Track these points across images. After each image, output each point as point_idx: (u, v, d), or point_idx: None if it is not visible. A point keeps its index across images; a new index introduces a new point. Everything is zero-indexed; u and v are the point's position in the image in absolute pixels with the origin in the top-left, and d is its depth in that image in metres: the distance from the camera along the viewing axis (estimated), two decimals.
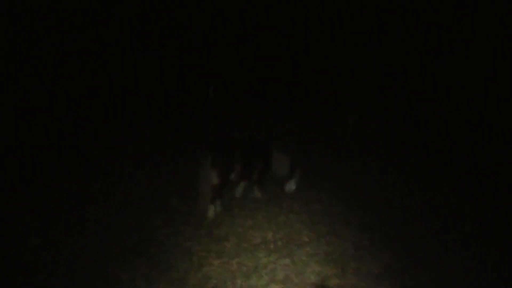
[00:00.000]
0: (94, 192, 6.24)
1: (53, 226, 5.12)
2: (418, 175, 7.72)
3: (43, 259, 4.41)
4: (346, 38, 9.54)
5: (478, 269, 4.78)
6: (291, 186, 6.72)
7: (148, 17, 10.58)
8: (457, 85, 8.71)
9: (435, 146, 8.64)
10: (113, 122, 9.27)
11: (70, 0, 10.50)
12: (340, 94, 9.34)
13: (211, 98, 7.83)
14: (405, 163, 8.19)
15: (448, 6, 8.88)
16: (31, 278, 4.07)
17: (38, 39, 10.23)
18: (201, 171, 5.49)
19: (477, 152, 8.11)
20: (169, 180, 6.86)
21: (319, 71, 10.20)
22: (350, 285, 4.29)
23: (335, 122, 9.47)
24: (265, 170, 6.35)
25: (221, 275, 4.32)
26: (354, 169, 8.00)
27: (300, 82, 10.83)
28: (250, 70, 11.58)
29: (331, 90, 9.75)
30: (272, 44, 11.71)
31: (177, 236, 5.11)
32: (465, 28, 8.75)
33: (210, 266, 4.48)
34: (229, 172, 5.67)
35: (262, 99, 10.88)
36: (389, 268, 4.67)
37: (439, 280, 4.50)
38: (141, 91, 9.05)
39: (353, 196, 6.67)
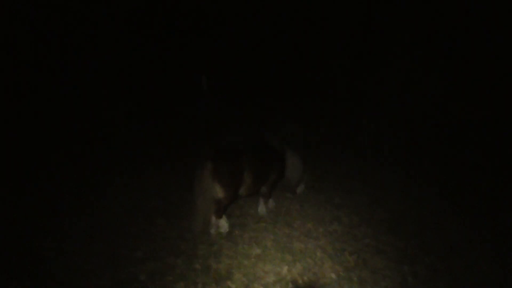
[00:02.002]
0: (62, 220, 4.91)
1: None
2: (448, 184, 6.67)
3: None
4: (363, 29, 8.37)
5: None
6: (301, 189, 5.81)
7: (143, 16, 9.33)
8: (493, 85, 7.66)
9: (467, 150, 7.61)
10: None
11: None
12: (355, 91, 8.16)
13: (204, 90, 6.50)
14: (432, 174, 7.12)
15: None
16: None
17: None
18: (199, 184, 4.26)
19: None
20: (154, 195, 5.57)
21: (332, 66, 9.02)
22: None
23: (349, 122, 8.33)
24: (278, 179, 5.17)
25: None
26: (374, 177, 6.88)
27: (310, 78, 9.65)
28: (253, 68, 10.34)
29: (346, 87, 8.58)
30: (278, 41, 10.52)
31: (164, 274, 3.84)
32: (502, 24, 7.70)
33: None
34: (237, 184, 4.45)
35: (267, 98, 9.67)
36: None
37: None
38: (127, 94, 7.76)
39: (377, 213, 5.53)
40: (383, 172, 7.13)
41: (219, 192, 4.30)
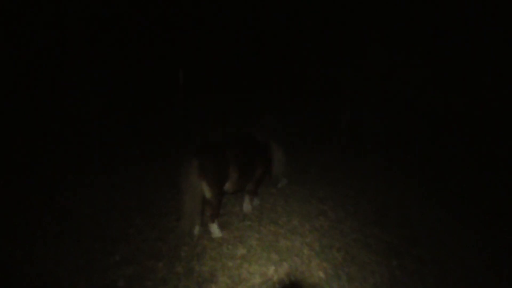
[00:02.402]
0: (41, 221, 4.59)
1: None
2: (430, 176, 6.66)
3: None
4: (342, 24, 8.18)
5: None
6: (283, 182, 5.76)
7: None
8: (476, 74, 7.62)
9: (447, 142, 7.63)
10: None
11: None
12: (334, 80, 8.00)
13: (181, 85, 6.21)
14: (414, 164, 7.10)
15: None
16: None
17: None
18: (185, 182, 4.03)
19: (495, 149, 7.17)
20: (131, 194, 5.30)
21: (309, 55, 8.82)
22: None
23: (328, 112, 8.20)
24: (264, 175, 5.01)
25: None
26: (356, 168, 6.81)
27: (286, 68, 9.44)
28: (228, 60, 10.03)
29: (323, 76, 8.42)
30: (252, 31, 10.24)
31: (143, 278, 3.63)
32: (484, 13, 7.65)
33: None
34: (223, 180, 4.26)
35: (243, 91, 9.42)
36: None
37: None
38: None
39: (361, 205, 5.46)
40: (365, 163, 7.08)
41: (206, 190, 4.10)
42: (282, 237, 4.50)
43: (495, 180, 6.56)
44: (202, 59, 9.42)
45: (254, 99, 9.13)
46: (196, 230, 4.39)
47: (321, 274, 3.87)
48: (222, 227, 4.61)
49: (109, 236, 4.24)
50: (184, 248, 4.19)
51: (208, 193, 4.13)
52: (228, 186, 4.42)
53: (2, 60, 7.83)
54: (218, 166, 4.14)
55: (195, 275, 3.73)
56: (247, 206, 5.09)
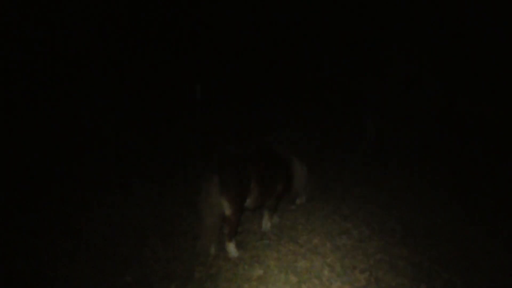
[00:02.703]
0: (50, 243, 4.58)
1: None
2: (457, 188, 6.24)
3: None
4: (367, 32, 7.95)
5: None
6: (302, 200, 5.47)
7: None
8: (502, 81, 7.19)
9: (479, 155, 7.18)
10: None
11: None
12: (354, 91, 7.73)
13: (198, 99, 6.14)
14: (444, 178, 6.69)
15: None
16: None
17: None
18: (206, 200, 3.89)
19: None
20: (147, 211, 5.21)
21: (328, 66, 8.61)
22: None
23: (350, 125, 7.92)
24: (286, 191, 4.81)
25: None
26: (381, 183, 6.47)
27: (307, 79, 9.26)
28: (248, 73, 9.97)
29: (344, 87, 8.17)
30: (271, 43, 10.18)
31: None
32: None
33: None
34: (244, 196, 4.08)
35: (263, 103, 9.28)
36: None
37: None
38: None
39: (388, 223, 5.13)
40: (391, 177, 6.73)
41: (226, 207, 3.93)
42: (302, 257, 4.26)
43: None
44: (222, 69, 9.39)
45: (275, 111, 8.98)
46: (212, 249, 4.23)
47: None
48: (238, 246, 4.42)
49: (122, 255, 4.14)
50: (198, 268, 4.03)
51: (228, 210, 3.96)
52: (249, 202, 4.24)
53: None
54: (240, 181, 3.96)
55: None
56: (266, 223, 4.88)
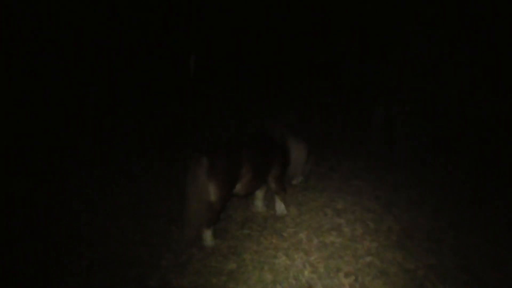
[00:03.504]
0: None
1: None
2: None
3: None
4: (379, 12, 7.22)
5: None
6: (299, 179, 5.15)
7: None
8: None
9: (498, 151, 6.56)
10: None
11: None
12: (367, 78, 7.12)
13: (192, 70, 5.62)
14: (456, 177, 6.13)
15: None
16: None
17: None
18: (192, 184, 3.61)
19: None
20: (123, 190, 4.86)
21: (340, 49, 7.95)
22: None
23: (360, 113, 7.35)
24: (282, 174, 4.51)
25: None
26: (385, 178, 5.98)
27: (315, 62, 8.63)
28: (251, 49, 9.35)
29: (355, 72, 7.55)
30: (279, 21, 9.52)
31: None
32: None
33: None
34: (234, 183, 3.82)
35: (266, 84, 8.72)
36: None
37: None
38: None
39: (385, 223, 4.65)
40: (395, 171, 6.22)
41: (212, 192, 3.63)
42: (283, 253, 3.86)
43: None
44: (218, 46, 8.77)
45: (278, 93, 8.45)
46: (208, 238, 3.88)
47: None
48: (217, 234, 4.05)
49: (86, 235, 3.81)
50: (167, 255, 3.68)
51: (213, 196, 3.65)
52: (239, 188, 3.95)
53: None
54: (230, 166, 3.68)
55: None
56: (280, 206, 4.62)
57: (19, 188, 4.62)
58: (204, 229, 3.86)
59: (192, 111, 5.88)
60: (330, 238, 4.20)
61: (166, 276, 3.37)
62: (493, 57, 6.44)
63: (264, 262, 3.67)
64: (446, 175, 6.15)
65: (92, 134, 5.64)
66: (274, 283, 3.39)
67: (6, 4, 7.87)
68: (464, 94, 6.49)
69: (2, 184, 4.67)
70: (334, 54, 7.99)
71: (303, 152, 4.79)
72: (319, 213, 4.73)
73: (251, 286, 3.33)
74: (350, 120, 7.72)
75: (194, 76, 5.59)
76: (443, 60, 6.60)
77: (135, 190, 4.83)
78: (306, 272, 3.58)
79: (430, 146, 6.76)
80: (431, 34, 6.53)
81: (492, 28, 6.58)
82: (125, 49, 8.30)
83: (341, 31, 7.87)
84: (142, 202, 4.57)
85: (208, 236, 3.90)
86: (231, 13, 9.60)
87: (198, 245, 3.87)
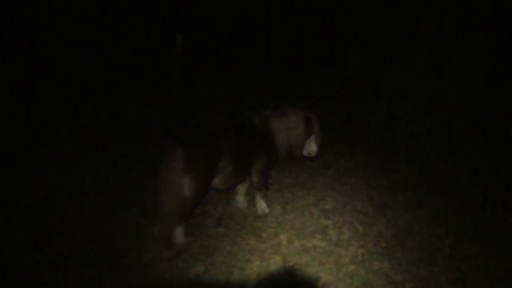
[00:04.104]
0: None
1: None
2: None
3: None
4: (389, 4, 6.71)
5: None
6: (312, 151, 4.45)
7: None
8: None
9: (504, 157, 6.11)
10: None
11: None
12: (373, 69, 6.67)
13: (179, 53, 5.22)
14: (459, 181, 5.71)
15: None
16: None
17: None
18: (166, 177, 3.34)
19: None
20: (96, 177, 4.54)
21: (345, 37, 7.49)
22: None
23: (362, 107, 6.93)
24: (269, 164, 4.16)
25: None
26: (383, 178, 5.60)
27: (318, 49, 8.17)
28: (248, 30, 8.87)
29: (361, 63, 7.10)
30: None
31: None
32: None
33: None
34: (211, 176, 3.52)
35: (262, 69, 8.29)
36: None
37: None
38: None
39: (376, 227, 4.29)
40: (394, 171, 5.83)
41: (187, 187, 3.32)
42: (258, 256, 3.53)
43: None
44: (212, 26, 8.27)
45: (279, 80, 7.99)
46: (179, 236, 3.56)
47: None
48: (190, 232, 3.73)
49: (46, 227, 3.51)
50: (131, 253, 3.37)
51: (188, 191, 3.34)
52: (218, 182, 3.65)
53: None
54: (207, 159, 3.38)
55: None
56: (261, 205, 4.27)
57: None
58: (175, 225, 3.54)
59: (179, 96, 5.51)
60: (313, 242, 3.86)
61: (124, 277, 3.06)
62: (510, 54, 5.95)
63: (236, 266, 3.34)
64: (448, 178, 5.73)
65: (69, 115, 5.32)
66: None
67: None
68: (476, 94, 6.00)
69: None
70: (337, 42, 7.53)
71: (296, 124, 4.22)
72: (305, 213, 4.40)
73: None
74: (351, 113, 7.31)
75: (181, 57, 5.20)
76: (456, 55, 6.09)
77: (109, 177, 4.52)
78: (279, 280, 3.25)
79: (434, 147, 6.32)
80: (445, 25, 6.05)
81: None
82: (107, 28, 7.92)
83: (346, 17, 7.38)
84: (115, 191, 4.27)
85: (179, 233, 3.58)
86: None
87: (167, 242, 3.56)
